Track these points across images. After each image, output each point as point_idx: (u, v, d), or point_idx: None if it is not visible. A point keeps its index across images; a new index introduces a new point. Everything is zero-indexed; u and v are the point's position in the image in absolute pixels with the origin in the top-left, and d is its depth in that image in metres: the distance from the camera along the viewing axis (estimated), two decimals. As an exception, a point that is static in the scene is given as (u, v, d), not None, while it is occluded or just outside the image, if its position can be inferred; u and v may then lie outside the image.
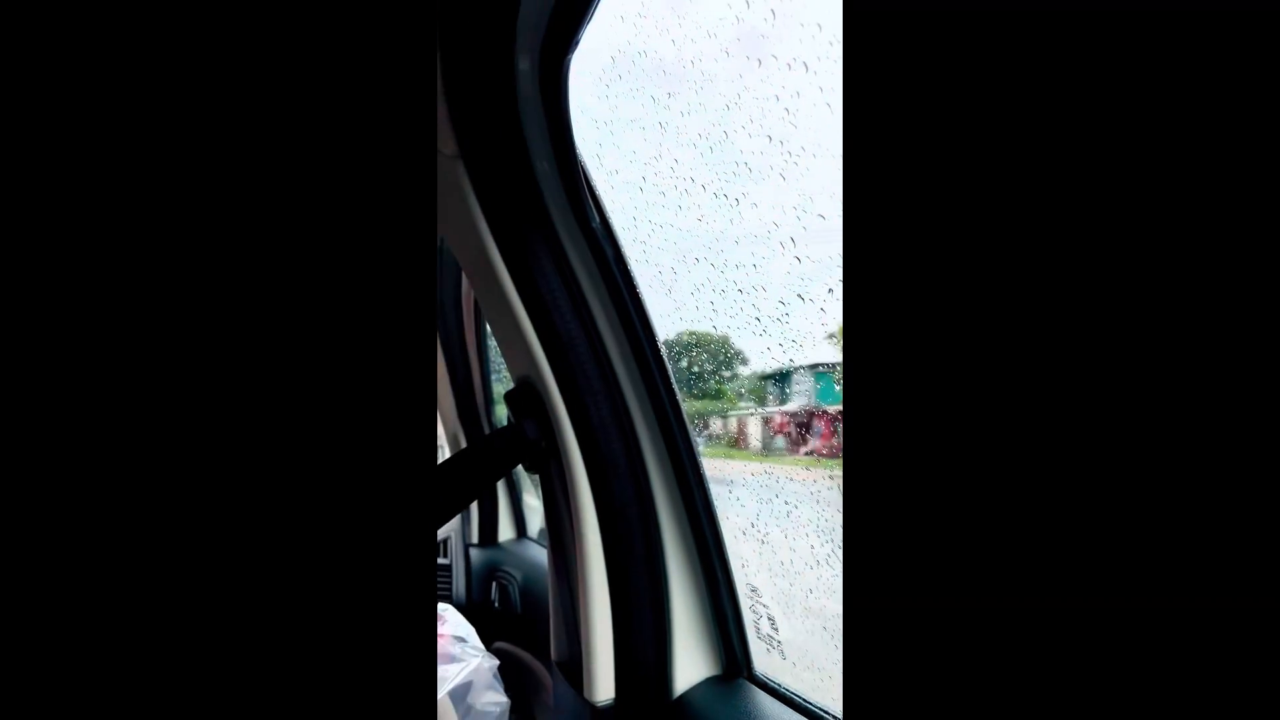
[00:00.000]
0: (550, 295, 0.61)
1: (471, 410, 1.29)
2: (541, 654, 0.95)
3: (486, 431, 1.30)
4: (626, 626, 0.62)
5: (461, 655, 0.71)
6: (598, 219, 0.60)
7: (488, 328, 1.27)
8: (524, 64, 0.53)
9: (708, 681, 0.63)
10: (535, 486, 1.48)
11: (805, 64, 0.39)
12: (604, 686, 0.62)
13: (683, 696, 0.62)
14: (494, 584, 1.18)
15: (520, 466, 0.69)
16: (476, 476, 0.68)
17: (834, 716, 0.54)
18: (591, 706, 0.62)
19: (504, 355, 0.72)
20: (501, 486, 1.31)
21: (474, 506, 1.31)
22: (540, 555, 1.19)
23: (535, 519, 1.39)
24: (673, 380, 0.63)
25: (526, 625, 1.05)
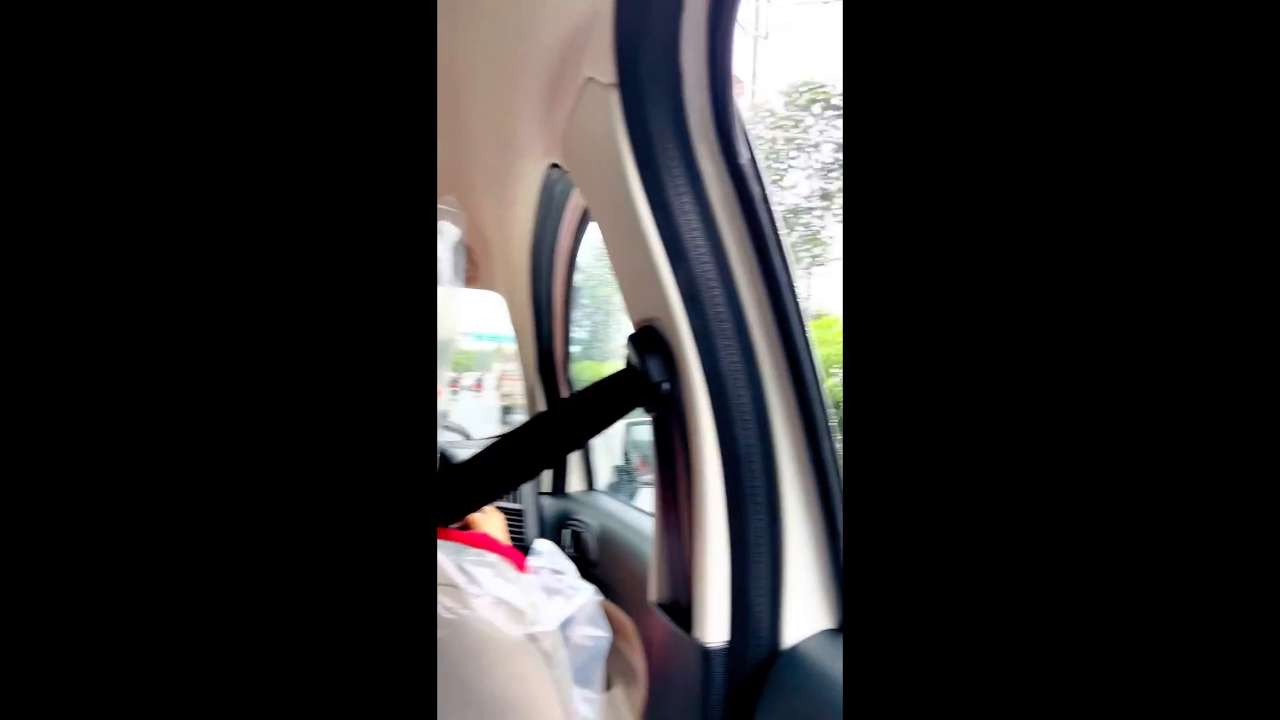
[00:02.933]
0: (690, 235, 0.60)
1: (550, 367, 1.30)
2: (621, 603, 0.97)
3: (564, 389, 1.31)
4: (742, 572, 0.62)
5: (562, 589, 0.72)
6: (747, 154, 0.58)
7: (570, 287, 1.27)
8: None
9: (822, 634, 0.63)
10: (605, 444, 1.50)
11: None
12: (717, 628, 0.63)
13: (796, 647, 0.62)
14: (567, 532, 1.20)
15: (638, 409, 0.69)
16: (597, 414, 0.68)
17: None
18: (702, 648, 0.63)
19: (626, 297, 0.72)
20: (573, 439, 1.32)
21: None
22: (613, 507, 1.21)
23: (603, 473, 1.41)
24: (808, 329, 0.61)
25: (602, 573, 1.07)
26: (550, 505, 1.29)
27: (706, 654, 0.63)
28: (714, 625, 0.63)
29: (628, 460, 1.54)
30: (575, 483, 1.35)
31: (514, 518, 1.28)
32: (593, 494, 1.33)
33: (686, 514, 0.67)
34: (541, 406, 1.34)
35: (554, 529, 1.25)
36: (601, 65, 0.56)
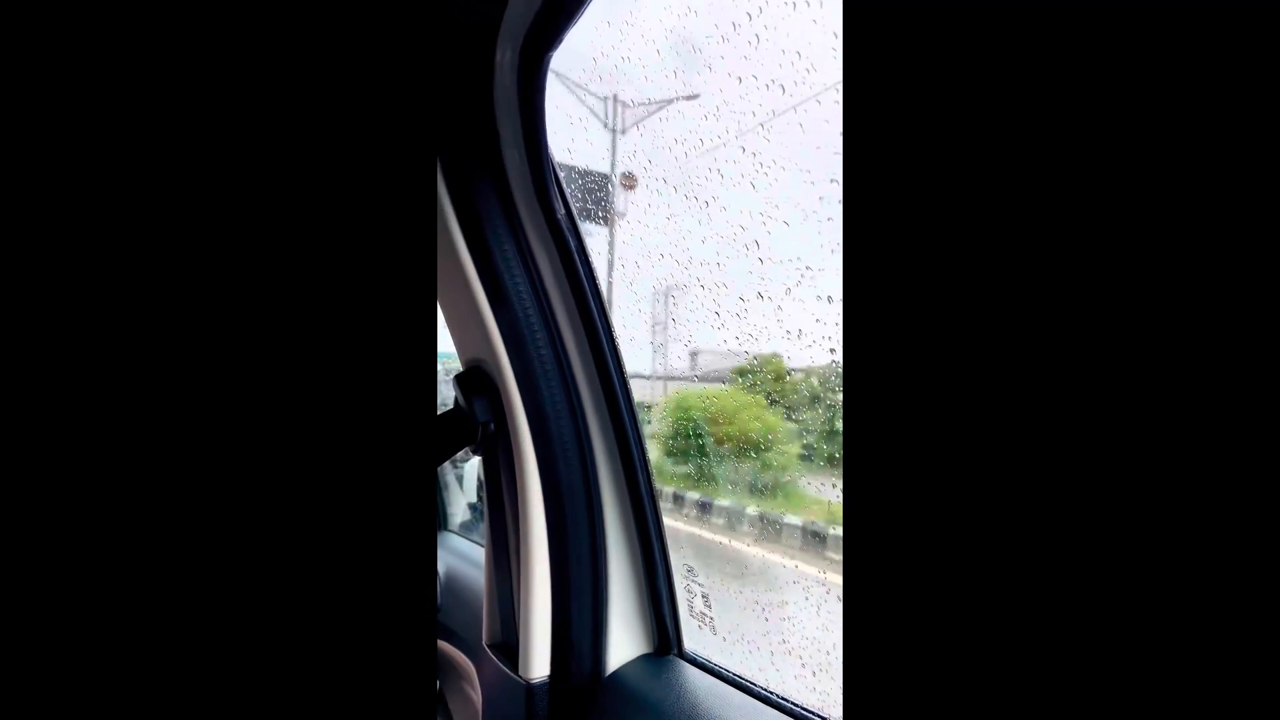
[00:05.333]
0: (511, 280, 0.63)
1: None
2: (463, 644, 0.94)
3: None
4: (564, 607, 0.64)
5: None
6: (563, 210, 0.63)
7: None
8: (504, 56, 0.55)
9: (640, 659, 0.66)
10: (457, 481, 1.45)
11: (782, 86, 0.44)
12: (539, 664, 0.64)
13: (615, 673, 0.64)
14: (412, 577, 1.15)
15: (464, 451, 0.70)
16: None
17: (757, 686, 0.58)
18: (526, 685, 0.63)
19: (455, 338, 0.73)
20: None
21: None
22: (461, 547, 1.17)
23: (455, 513, 1.36)
24: (625, 368, 0.66)
25: (446, 618, 1.03)
26: (396, 550, 1.23)
27: (530, 690, 0.63)
28: (538, 660, 0.64)
29: (480, 498, 1.51)
30: (425, 525, 1.29)
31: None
32: (444, 535, 1.28)
33: (515, 551, 0.68)
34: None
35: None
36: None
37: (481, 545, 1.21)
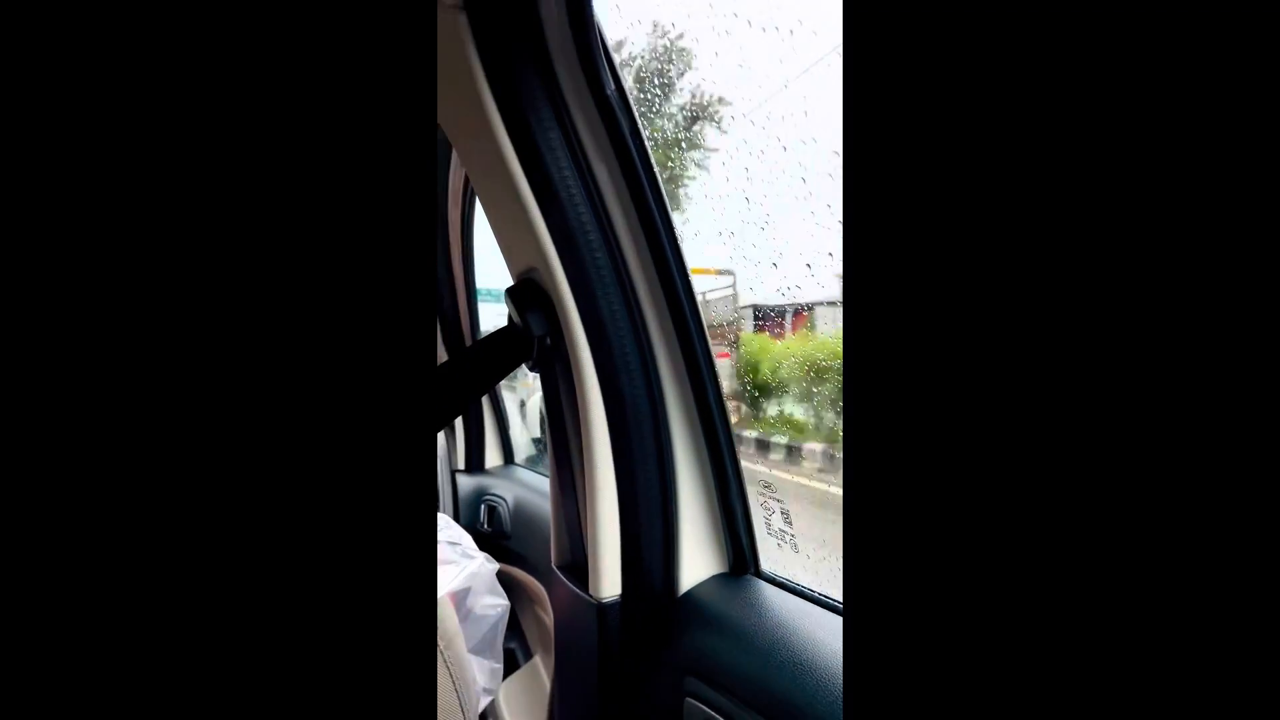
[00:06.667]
0: (561, 178, 0.57)
1: (458, 336, 1.25)
2: (532, 569, 0.94)
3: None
4: (634, 525, 0.61)
5: (456, 559, 0.69)
6: (612, 85, 0.55)
7: (468, 254, 1.21)
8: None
9: (715, 578, 0.62)
10: (520, 415, 1.46)
11: None
12: (609, 584, 0.61)
13: (689, 592, 0.61)
14: (482, 506, 1.16)
15: (523, 368, 0.66)
16: (480, 374, 0.65)
17: (836, 602, 0.53)
18: (597, 604, 0.61)
19: (503, 249, 0.68)
20: (488, 413, 1.28)
21: (460, 434, 1.28)
22: (530, 479, 1.18)
23: (521, 447, 1.37)
24: (689, 270, 0.59)
25: (517, 544, 1.04)
26: (466, 482, 1.25)
27: (602, 609, 0.61)
28: (607, 581, 0.61)
29: (544, 431, 1.51)
30: (493, 458, 1.31)
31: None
32: (509, 468, 1.29)
33: (580, 472, 0.65)
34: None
35: (470, 506, 1.21)
36: (445, -15, 0.51)
37: (546, 476, 1.22)
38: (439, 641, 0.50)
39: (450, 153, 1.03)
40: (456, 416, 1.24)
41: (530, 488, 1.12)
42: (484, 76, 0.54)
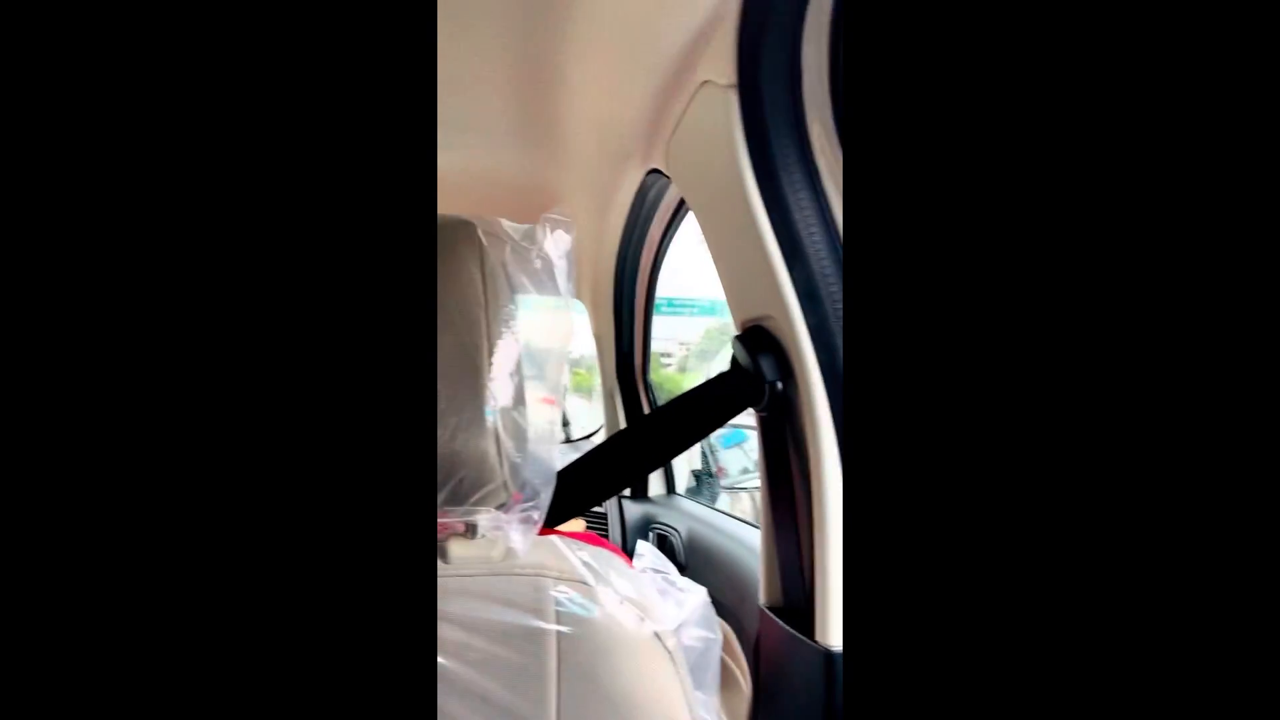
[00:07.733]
0: (808, 233, 0.60)
1: (629, 373, 1.32)
2: (721, 607, 0.96)
3: (641, 391, 1.32)
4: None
5: (671, 590, 0.72)
6: (870, 150, 0.57)
7: (652, 296, 1.28)
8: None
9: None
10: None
11: None
12: (839, 632, 0.61)
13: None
14: (652, 535, 1.21)
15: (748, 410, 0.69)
16: (706, 415, 0.69)
17: None
18: (825, 651, 0.61)
19: (731, 298, 0.72)
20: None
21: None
22: (697, 510, 1.20)
23: (681, 477, 1.41)
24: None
25: (694, 575, 1.06)
26: (632, 509, 1.30)
27: (830, 658, 0.61)
28: (836, 628, 0.61)
29: (705, 465, 1.53)
30: (655, 487, 1.35)
31: (596, 520, 1.29)
32: (672, 497, 1.33)
33: (804, 515, 0.66)
34: (619, 412, 1.35)
35: (637, 532, 1.26)
36: (721, 66, 0.57)
37: (711, 508, 1.24)
38: (677, 671, 0.53)
39: (661, 195, 1.08)
40: (678, 455, 1.30)
41: (701, 520, 1.15)
42: (743, 142, 0.59)
